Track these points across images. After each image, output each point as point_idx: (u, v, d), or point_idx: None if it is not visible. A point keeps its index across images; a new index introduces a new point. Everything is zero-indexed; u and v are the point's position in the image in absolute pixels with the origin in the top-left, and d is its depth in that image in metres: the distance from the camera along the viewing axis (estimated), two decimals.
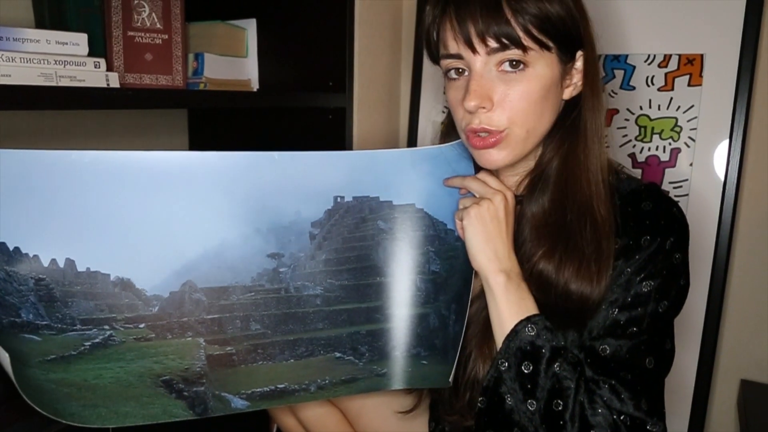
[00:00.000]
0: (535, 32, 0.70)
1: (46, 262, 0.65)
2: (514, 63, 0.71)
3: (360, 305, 0.79)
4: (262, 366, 0.75)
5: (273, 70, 1.19)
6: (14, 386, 0.65)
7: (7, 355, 0.63)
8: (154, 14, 0.98)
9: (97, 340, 0.69)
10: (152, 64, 0.98)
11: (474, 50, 0.71)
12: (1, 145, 0.68)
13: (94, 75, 0.86)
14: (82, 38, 0.85)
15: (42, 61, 0.80)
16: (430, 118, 1.39)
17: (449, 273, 0.81)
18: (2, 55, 0.76)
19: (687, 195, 1.16)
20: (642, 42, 1.18)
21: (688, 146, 1.16)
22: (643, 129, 1.19)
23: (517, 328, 0.73)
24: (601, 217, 0.73)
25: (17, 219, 0.64)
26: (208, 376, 0.72)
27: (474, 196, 0.79)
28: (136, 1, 0.95)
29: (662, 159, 1.18)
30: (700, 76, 1.14)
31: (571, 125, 0.77)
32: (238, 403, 0.74)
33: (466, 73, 0.74)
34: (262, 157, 0.73)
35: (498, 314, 0.74)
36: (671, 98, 1.16)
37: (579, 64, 0.76)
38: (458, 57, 0.74)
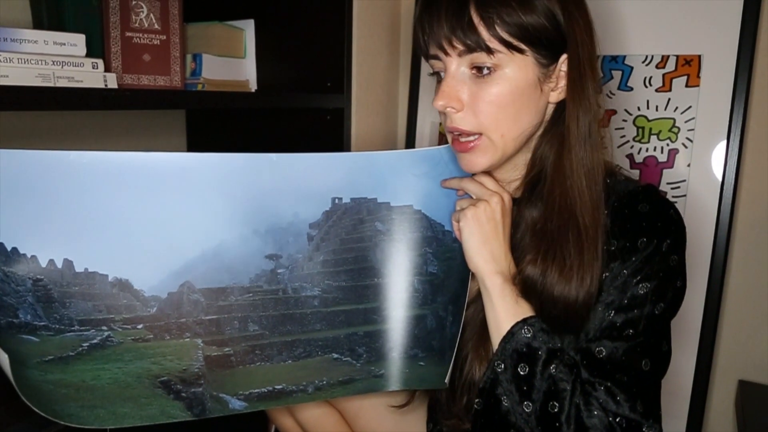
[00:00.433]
0: (504, 36, 0.69)
1: (44, 263, 0.65)
2: (483, 66, 0.71)
3: (357, 306, 0.79)
4: (260, 367, 0.75)
5: (271, 71, 1.19)
6: (13, 387, 0.65)
7: (6, 356, 0.63)
8: (152, 15, 0.98)
9: (95, 341, 0.69)
10: (150, 64, 0.98)
11: (446, 52, 0.72)
12: None
13: (92, 76, 0.86)
14: (79, 39, 0.85)
15: (40, 62, 0.80)
16: (428, 119, 1.39)
17: (447, 274, 0.81)
18: (0, 55, 0.76)
19: (685, 196, 1.16)
20: (640, 43, 1.18)
21: (686, 147, 1.16)
22: (640, 130, 1.19)
23: (513, 330, 0.73)
24: (585, 224, 0.72)
25: (15, 219, 0.64)
26: (206, 377, 0.72)
27: (471, 197, 0.79)
28: (134, 2, 0.95)
29: (660, 160, 1.18)
30: (698, 77, 1.14)
31: (557, 129, 0.77)
32: (236, 404, 0.74)
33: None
34: (259, 158, 0.73)
35: (494, 316, 0.74)
36: (669, 99, 1.17)
37: (564, 67, 0.74)
38: (436, 58, 0.74)
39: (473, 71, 0.72)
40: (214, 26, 1.13)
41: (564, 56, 0.73)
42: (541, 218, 0.76)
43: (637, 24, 1.17)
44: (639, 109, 1.19)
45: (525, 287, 0.75)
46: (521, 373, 0.72)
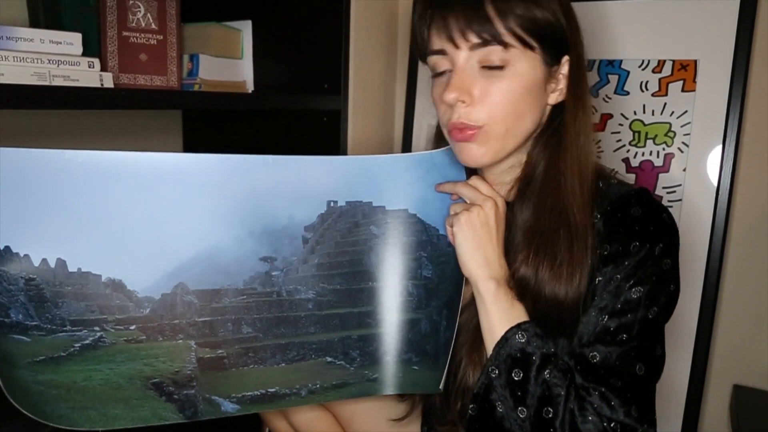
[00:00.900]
0: (518, 30, 0.70)
1: (36, 262, 0.65)
2: (494, 62, 0.71)
3: (352, 310, 0.79)
4: (253, 369, 0.75)
5: (268, 72, 1.19)
6: (1, 389, 0.64)
7: None
8: (149, 14, 0.97)
9: (87, 342, 0.68)
10: (147, 64, 0.98)
11: (456, 45, 0.72)
12: None
13: (88, 75, 0.86)
14: (76, 38, 0.85)
15: (35, 61, 0.80)
16: (425, 122, 1.39)
17: (441, 278, 0.81)
18: None
19: (680, 200, 1.17)
20: (636, 47, 1.18)
21: (682, 151, 1.16)
22: (636, 134, 1.20)
23: (507, 335, 0.73)
24: (575, 222, 0.73)
25: (8, 218, 0.63)
26: (199, 379, 0.72)
27: (465, 202, 0.79)
28: (131, 2, 0.95)
29: (656, 164, 1.18)
30: (694, 81, 1.14)
31: (554, 131, 0.78)
32: (229, 407, 0.73)
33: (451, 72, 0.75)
34: (255, 160, 0.73)
35: (488, 321, 0.74)
36: (665, 103, 1.17)
37: (565, 69, 0.76)
38: (442, 53, 0.74)
39: (483, 66, 0.72)
40: (212, 27, 1.13)
41: (566, 58, 0.75)
42: (532, 217, 0.77)
43: (633, 28, 1.18)
44: (635, 113, 1.19)
45: (519, 287, 0.75)
46: (515, 378, 0.72)
